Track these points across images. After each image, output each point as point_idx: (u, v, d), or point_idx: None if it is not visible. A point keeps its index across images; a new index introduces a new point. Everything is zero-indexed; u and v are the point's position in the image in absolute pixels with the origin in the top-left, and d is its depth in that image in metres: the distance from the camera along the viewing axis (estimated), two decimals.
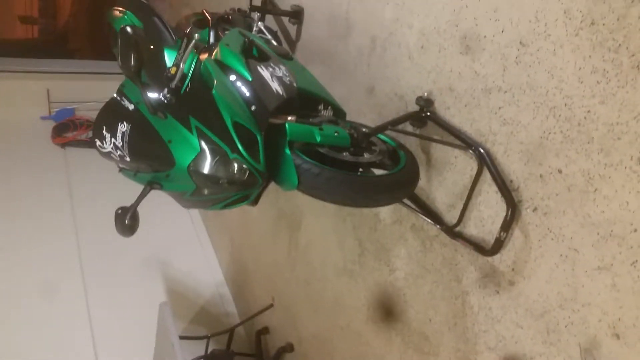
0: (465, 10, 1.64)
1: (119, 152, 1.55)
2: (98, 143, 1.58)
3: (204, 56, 1.81)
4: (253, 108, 1.53)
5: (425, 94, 1.80)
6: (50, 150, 4.94)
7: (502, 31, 1.51)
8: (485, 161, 1.57)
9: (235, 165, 1.45)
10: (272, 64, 1.75)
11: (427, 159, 1.85)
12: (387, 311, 2.17)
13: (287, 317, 3.20)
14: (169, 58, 1.80)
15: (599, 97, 1.26)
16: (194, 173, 1.45)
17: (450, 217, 1.77)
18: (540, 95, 1.41)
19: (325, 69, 2.52)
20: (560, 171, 1.38)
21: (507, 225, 1.50)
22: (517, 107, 1.48)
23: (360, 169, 1.62)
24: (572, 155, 1.34)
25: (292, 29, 2.76)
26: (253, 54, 1.84)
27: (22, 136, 4.96)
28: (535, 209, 1.46)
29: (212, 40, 2.35)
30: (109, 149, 1.56)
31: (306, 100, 1.81)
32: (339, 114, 1.93)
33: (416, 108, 1.82)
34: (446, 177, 1.78)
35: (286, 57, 1.95)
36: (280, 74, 1.71)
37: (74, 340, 3.28)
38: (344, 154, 1.61)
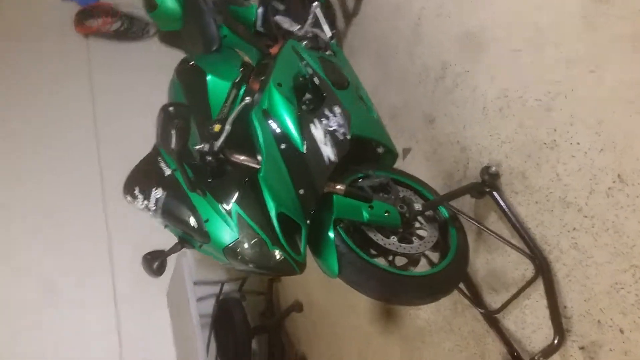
0: (563, 100, 1.41)
1: (151, 213, 1.45)
2: (129, 199, 1.47)
3: (255, 86, 1.61)
4: (301, 192, 1.41)
5: (494, 168, 1.62)
6: (72, 39, 4.63)
7: (601, 150, 1.31)
8: (544, 275, 1.46)
9: (275, 256, 1.37)
10: (326, 111, 1.57)
11: (479, 230, 1.73)
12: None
13: (300, 278, 3.28)
14: (213, 86, 1.61)
15: None
16: (230, 256, 1.38)
17: (490, 300, 1.71)
18: (624, 245, 1.26)
19: (380, 65, 2.26)
20: (622, 331, 1.29)
21: (549, 352, 1.45)
22: (595, 241, 1.34)
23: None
24: None
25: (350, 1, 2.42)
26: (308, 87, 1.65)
27: (43, 20, 4.61)
28: (582, 348, 1.39)
29: (259, 23, 2.09)
30: (141, 208, 1.46)
31: (360, 142, 1.66)
32: (390, 155, 1.78)
33: (478, 176, 1.66)
34: (495, 259, 1.68)
35: (343, 87, 1.74)
36: (334, 126, 1.55)
37: (91, 258, 3.39)
38: (392, 238, 1.51)
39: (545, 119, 1.47)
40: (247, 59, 1.75)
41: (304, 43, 1.92)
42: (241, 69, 1.71)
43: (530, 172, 1.53)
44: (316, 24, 2.04)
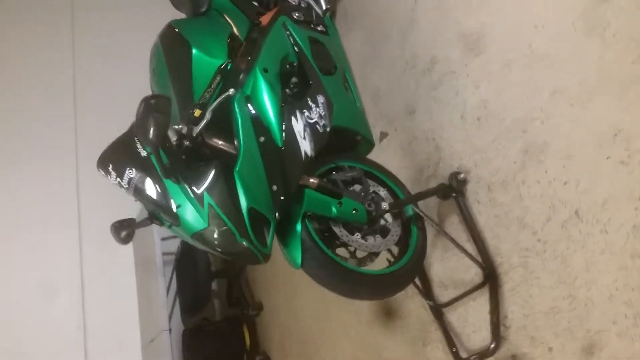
0: (539, 125, 1.44)
1: (123, 189, 1.45)
2: (101, 173, 1.46)
3: (241, 65, 1.58)
4: (274, 188, 1.44)
5: (462, 175, 1.67)
6: None
7: (565, 183, 1.37)
8: (491, 285, 1.56)
9: (241, 246, 1.41)
10: (309, 101, 1.57)
11: (440, 228, 1.80)
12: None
13: None
14: (197, 62, 1.57)
15: (621, 331, 1.23)
16: (198, 240, 1.42)
17: (438, 294, 1.82)
18: (568, 275, 1.36)
19: (371, 42, 2.23)
20: (550, 350, 1.41)
21: (484, 355, 1.57)
22: (543, 265, 1.43)
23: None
24: (567, 348, 1.36)
25: None
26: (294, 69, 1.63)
27: None
28: (514, 357, 1.52)
29: None
30: (113, 183, 1.46)
31: (339, 129, 1.69)
32: (367, 144, 1.81)
33: (447, 177, 1.72)
34: (450, 258, 1.77)
35: (329, 73, 1.73)
36: (315, 117, 1.58)
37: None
38: (356, 234, 1.56)
39: (519, 139, 1.50)
40: (235, 30, 1.70)
41: (296, 15, 1.86)
42: (228, 40, 1.67)
43: (496, 187, 1.58)
44: None
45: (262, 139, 1.44)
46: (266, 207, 1.42)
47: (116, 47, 3.74)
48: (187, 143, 1.42)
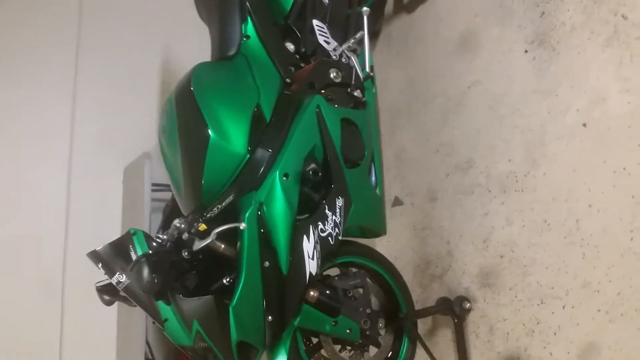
0: (561, 311, 1.36)
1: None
2: (94, 263, 1.36)
3: (261, 158, 1.41)
4: (269, 319, 1.36)
5: (468, 304, 1.61)
6: None
7: None
8: None
9: None
10: (327, 208, 1.44)
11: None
12: None
13: None
14: (214, 150, 1.39)
15: None
16: (182, 349, 1.40)
17: None
18: None
19: (409, 97, 2.00)
20: None
21: None
22: None
23: None
24: None
25: None
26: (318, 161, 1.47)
27: None
28: None
29: (292, 17, 1.72)
30: (103, 276, 1.37)
31: None
32: (376, 232, 1.70)
33: (452, 290, 1.66)
34: None
35: (355, 165, 1.56)
36: (329, 229, 1.45)
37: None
38: (345, 352, 1.54)
39: (535, 307, 1.43)
40: (261, 99, 1.48)
41: (333, 74, 1.62)
42: (255, 110, 1.47)
43: (498, 334, 1.54)
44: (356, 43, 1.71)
45: (266, 264, 1.33)
46: (257, 339, 1.35)
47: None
48: (185, 254, 1.34)
